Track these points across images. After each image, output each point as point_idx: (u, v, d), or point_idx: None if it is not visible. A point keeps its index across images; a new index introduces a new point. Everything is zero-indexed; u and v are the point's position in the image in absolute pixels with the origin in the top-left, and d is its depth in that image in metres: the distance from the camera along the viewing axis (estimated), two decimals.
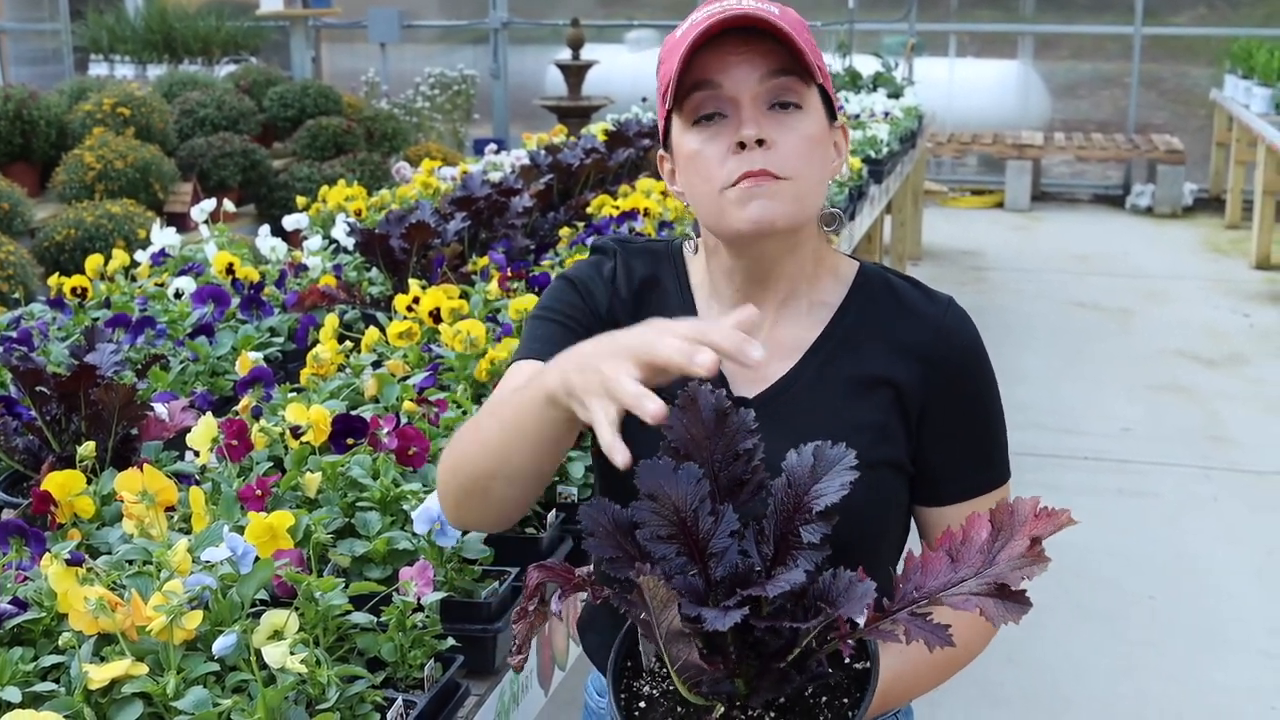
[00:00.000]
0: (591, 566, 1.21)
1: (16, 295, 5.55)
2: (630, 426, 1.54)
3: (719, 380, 1.54)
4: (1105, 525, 5.12)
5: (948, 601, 1.13)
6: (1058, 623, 4.33)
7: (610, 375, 1.17)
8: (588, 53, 10.79)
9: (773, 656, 1.16)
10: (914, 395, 1.54)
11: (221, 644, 1.43)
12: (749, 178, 1.44)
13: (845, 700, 1.20)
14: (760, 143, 1.45)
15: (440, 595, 1.72)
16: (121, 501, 1.95)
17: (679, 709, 1.20)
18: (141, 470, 1.76)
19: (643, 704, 1.22)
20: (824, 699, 1.20)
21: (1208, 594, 4.61)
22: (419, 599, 1.68)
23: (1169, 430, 6.22)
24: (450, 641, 1.71)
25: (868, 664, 1.21)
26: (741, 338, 1.15)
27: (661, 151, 1.59)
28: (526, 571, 1.19)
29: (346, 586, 1.65)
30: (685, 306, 1.60)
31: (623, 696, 1.24)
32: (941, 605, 1.14)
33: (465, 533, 1.84)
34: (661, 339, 1.17)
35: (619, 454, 1.13)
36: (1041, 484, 5.42)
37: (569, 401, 1.23)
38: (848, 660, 1.22)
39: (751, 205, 1.45)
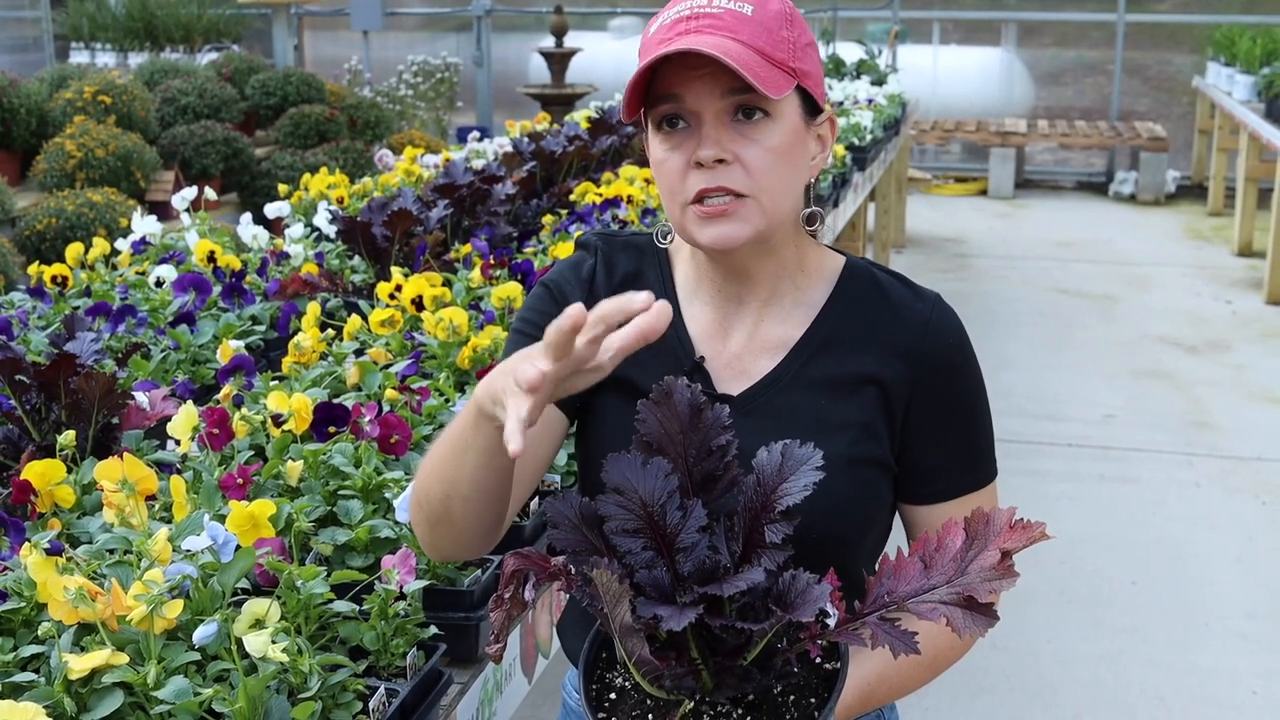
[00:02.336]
0: (563, 557, 1.20)
1: None
2: (621, 425, 1.54)
3: (703, 378, 1.53)
4: (1087, 511, 5.14)
5: (915, 610, 1.13)
6: (1041, 608, 4.34)
7: (518, 369, 1.18)
8: (571, 40, 10.77)
9: (730, 655, 1.16)
10: (899, 393, 1.52)
11: (202, 633, 1.43)
12: (706, 196, 1.43)
13: (813, 700, 1.19)
14: (720, 161, 1.42)
15: (423, 583, 1.72)
16: (102, 491, 1.95)
17: (648, 701, 1.19)
18: (121, 459, 1.75)
19: (614, 695, 1.22)
20: (792, 698, 1.20)
21: (1189, 579, 4.62)
22: (401, 587, 1.68)
23: (1151, 416, 6.24)
24: (433, 630, 1.71)
25: (838, 665, 1.20)
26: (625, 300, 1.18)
27: (643, 134, 1.58)
28: (504, 559, 1.18)
29: (328, 575, 1.64)
30: (669, 301, 1.59)
31: (594, 688, 1.23)
32: (908, 613, 1.14)
33: None
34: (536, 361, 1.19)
35: (514, 443, 1.13)
36: (1024, 471, 5.44)
37: (494, 410, 1.26)
38: (819, 660, 1.21)
39: (710, 228, 1.44)
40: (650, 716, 1.18)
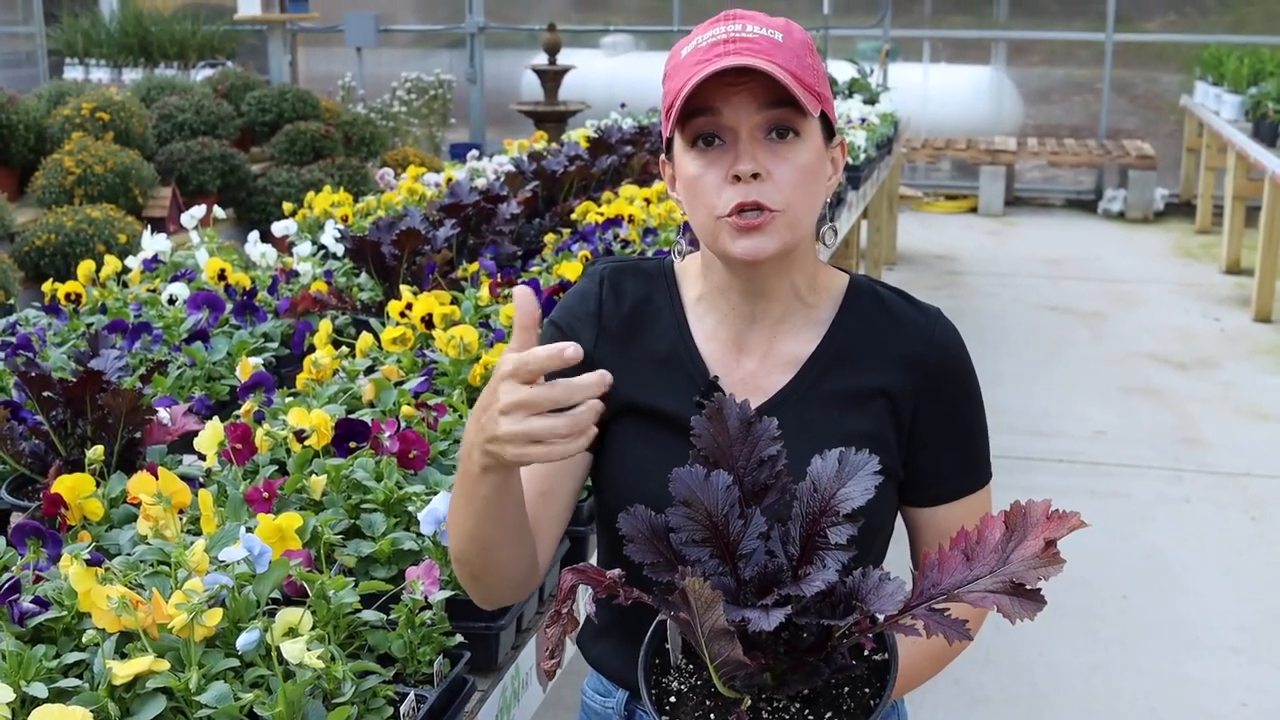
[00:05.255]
0: (618, 570, 1.26)
1: None
2: (637, 446, 1.60)
3: (718, 394, 1.60)
4: None
5: (966, 598, 1.19)
6: (1034, 622, 4.39)
7: (505, 404, 1.30)
8: (563, 57, 10.84)
9: (806, 652, 1.22)
10: (905, 404, 1.60)
11: (245, 640, 1.49)
12: (743, 210, 1.49)
13: (867, 690, 1.25)
14: (755, 176, 1.49)
15: (447, 594, 1.78)
16: (130, 504, 2.01)
17: (708, 702, 1.25)
18: (153, 474, 1.81)
19: (673, 699, 1.28)
20: (846, 690, 1.26)
21: (1179, 593, 4.69)
22: (427, 597, 1.74)
23: (1141, 433, 6.32)
24: (459, 638, 1.76)
25: (886, 655, 1.27)
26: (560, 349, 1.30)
27: (664, 158, 1.64)
28: (561, 574, 1.24)
29: (355, 585, 1.70)
30: (678, 324, 1.65)
31: (653, 693, 1.29)
32: (959, 602, 1.20)
33: None
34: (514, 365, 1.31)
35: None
36: (1015, 486, 5.49)
37: (499, 451, 1.34)
38: (866, 653, 1.27)
39: (743, 240, 1.51)
40: (711, 716, 1.24)
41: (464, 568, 1.53)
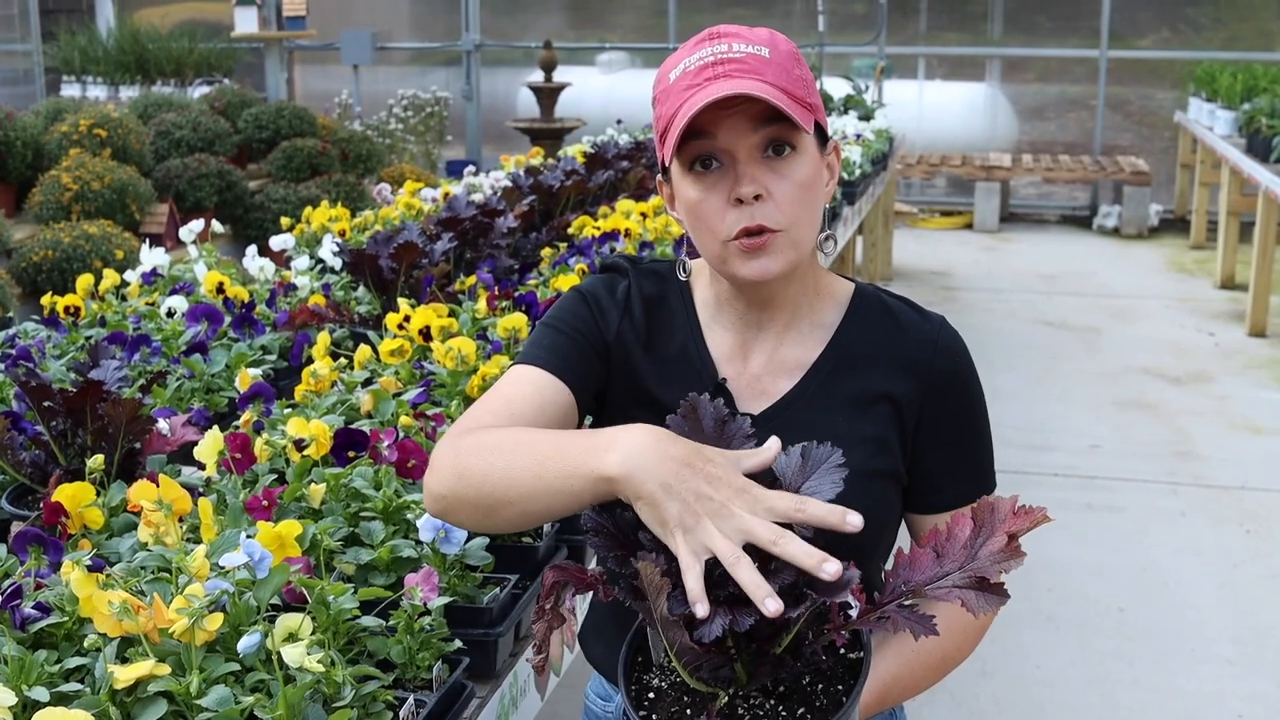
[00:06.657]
0: (596, 567, 1.28)
1: None
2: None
3: (725, 398, 1.62)
4: (1075, 540, 5.22)
5: (931, 594, 1.21)
6: (1030, 634, 4.42)
7: (730, 548, 1.20)
8: (559, 74, 10.87)
9: (766, 641, 1.24)
10: (910, 409, 1.62)
11: (246, 644, 1.50)
12: (748, 234, 1.51)
13: (840, 687, 1.27)
14: (757, 197, 1.51)
15: (446, 600, 1.79)
16: (130, 513, 2.02)
17: (685, 698, 1.27)
18: (155, 482, 1.82)
19: (652, 695, 1.29)
20: (820, 686, 1.27)
21: (1174, 605, 4.71)
22: (425, 604, 1.75)
23: (1136, 446, 6.33)
24: (457, 644, 1.78)
25: (861, 653, 1.28)
26: (841, 512, 1.22)
27: (660, 178, 1.66)
28: (544, 572, 1.26)
29: (355, 592, 1.71)
30: (691, 326, 1.68)
31: (633, 689, 1.31)
32: (928, 599, 1.22)
33: (468, 540, 1.91)
34: (788, 543, 1.19)
35: (702, 606, 1.17)
36: None
37: (641, 505, 1.25)
38: (843, 651, 1.29)
39: (752, 262, 1.53)
40: (688, 712, 1.25)
41: (465, 486, 1.42)
